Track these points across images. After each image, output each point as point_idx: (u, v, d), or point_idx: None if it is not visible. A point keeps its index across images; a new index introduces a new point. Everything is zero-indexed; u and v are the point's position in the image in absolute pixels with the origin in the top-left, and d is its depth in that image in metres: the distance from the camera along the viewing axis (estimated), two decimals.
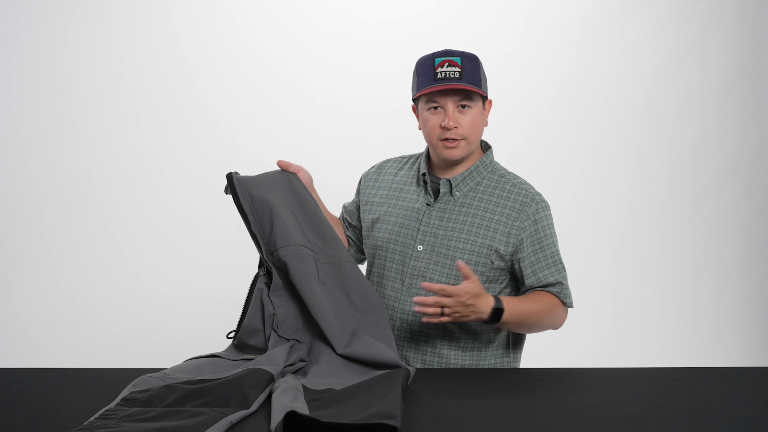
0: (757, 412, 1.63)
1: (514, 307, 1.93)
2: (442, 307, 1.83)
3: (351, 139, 3.85)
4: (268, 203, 1.98)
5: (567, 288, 2.06)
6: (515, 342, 2.13)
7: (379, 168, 2.28)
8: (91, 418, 1.46)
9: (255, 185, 2.02)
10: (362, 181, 2.29)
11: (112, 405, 1.53)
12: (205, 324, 3.71)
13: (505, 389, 1.80)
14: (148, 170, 3.81)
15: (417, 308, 1.83)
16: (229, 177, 2.01)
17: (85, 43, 3.77)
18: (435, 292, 1.83)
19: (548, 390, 1.78)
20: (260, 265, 2.01)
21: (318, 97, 3.87)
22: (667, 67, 4.11)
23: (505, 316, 1.90)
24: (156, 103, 3.81)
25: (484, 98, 2.07)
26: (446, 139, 2.02)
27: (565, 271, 2.07)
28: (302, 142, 3.82)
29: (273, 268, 1.96)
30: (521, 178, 2.13)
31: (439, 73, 2.00)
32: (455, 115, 2.01)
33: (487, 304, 1.87)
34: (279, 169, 2.08)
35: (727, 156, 4.19)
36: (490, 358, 2.08)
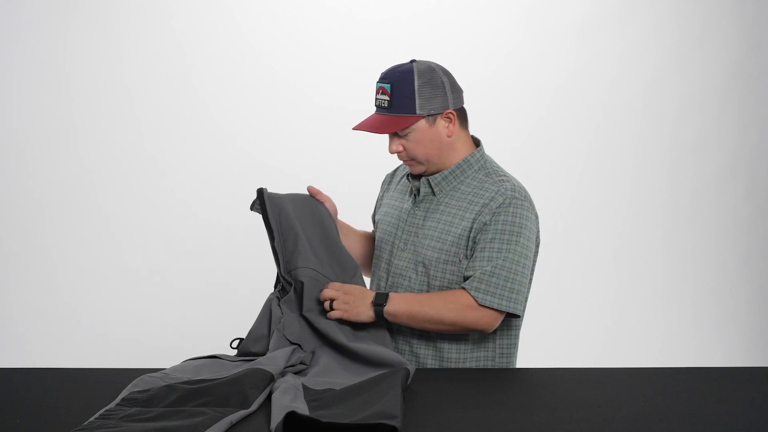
0: (757, 412, 1.63)
1: (400, 304, 1.94)
2: (331, 300, 1.92)
3: (351, 140, 3.84)
4: (295, 224, 2.02)
5: (483, 283, 1.91)
6: (502, 338, 2.09)
7: (394, 171, 2.33)
8: (91, 418, 1.46)
9: (284, 204, 2.05)
10: (381, 186, 2.34)
11: (112, 405, 1.53)
12: (205, 324, 3.71)
13: (504, 389, 1.80)
14: (148, 170, 3.81)
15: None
16: (260, 193, 2.04)
17: (85, 43, 3.77)
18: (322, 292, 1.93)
19: (548, 390, 1.78)
20: (276, 283, 2.03)
21: (318, 97, 3.86)
22: (667, 67, 4.11)
23: (388, 312, 1.93)
24: (156, 103, 3.81)
25: (435, 114, 2.00)
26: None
27: (494, 267, 1.92)
28: (302, 142, 3.82)
29: (288, 285, 1.98)
30: (509, 176, 2.08)
31: (376, 100, 2.05)
32: (395, 141, 2.02)
33: (366, 297, 1.93)
34: (307, 194, 2.11)
35: (727, 156, 4.19)
36: (469, 360, 2.05)
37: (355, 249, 2.23)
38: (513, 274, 1.94)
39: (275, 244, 2.00)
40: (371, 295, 1.93)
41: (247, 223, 3.79)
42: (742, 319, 4.24)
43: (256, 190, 2.05)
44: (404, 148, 2.02)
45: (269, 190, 2.06)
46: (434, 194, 2.08)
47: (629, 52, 4.07)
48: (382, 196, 2.30)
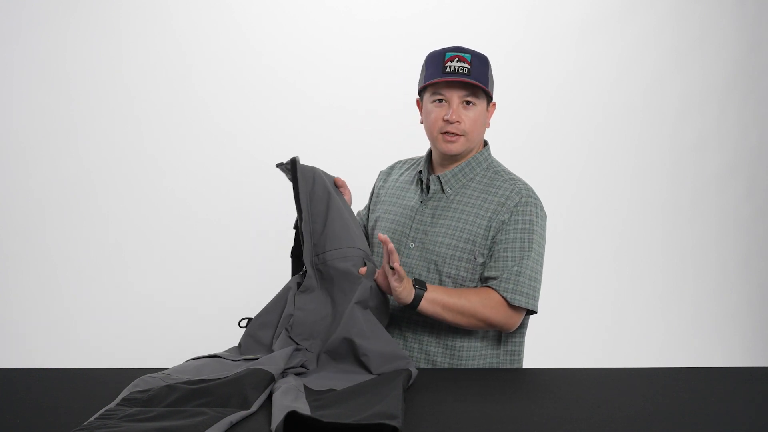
0: (757, 412, 1.63)
1: (437, 294, 1.92)
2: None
3: (351, 139, 3.85)
4: (326, 202, 1.99)
5: (508, 282, 1.96)
6: (506, 339, 2.10)
7: (391, 168, 2.33)
8: (91, 418, 1.46)
9: (315, 173, 2.02)
10: (375, 183, 2.34)
11: (112, 405, 1.53)
12: (206, 324, 3.71)
13: (505, 389, 1.80)
14: (148, 170, 3.81)
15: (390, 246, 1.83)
16: (293, 162, 2.01)
17: (85, 43, 3.77)
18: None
19: (548, 390, 1.78)
20: (298, 267, 2.00)
21: (318, 97, 3.86)
22: (667, 67, 4.11)
23: (428, 302, 1.91)
24: (156, 103, 3.81)
25: (489, 99, 2.08)
26: (446, 133, 2.04)
27: (518, 266, 1.97)
28: (302, 142, 3.82)
29: (313, 270, 1.94)
30: (516, 175, 2.13)
31: (448, 67, 2.01)
32: (459, 110, 2.02)
33: (409, 282, 1.90)
34: (333, 178, 2.10)
35: (727, 156, 4.19)
36: (479, 355, 2.07)
37: None
38: (535, 273, 2.00)
39: (302, 225, 1.96)
40: (411, 280, 1.92)
41: (248, 223, 3.80)
42: (742, 319, 4.24)
43: (290, 158, 2.02)
44: (462, 120, 2.03)
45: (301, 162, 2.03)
46: (444, 192, 2.09)
47: (629, 52, 4.07)
48: (378, 193, 2.29)
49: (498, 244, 2.01)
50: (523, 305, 1.98)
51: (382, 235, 1.84)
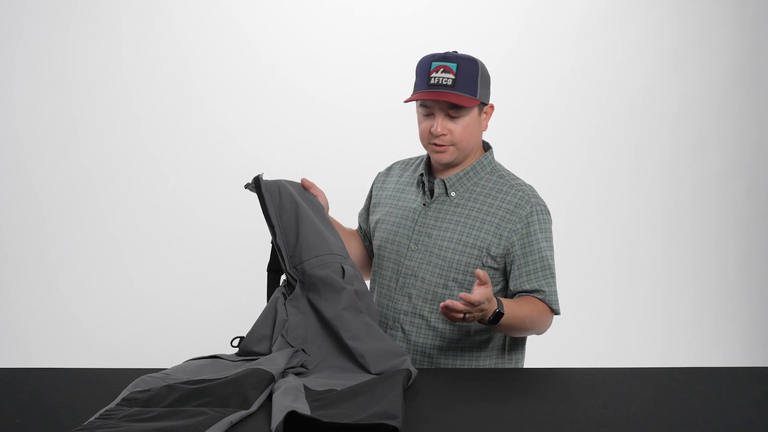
0: (757, 412, 1.63)
1: (511, 310, 1.90)
2: (465, 313, 1.78)
3: (351, 139, 3.85)
4: (295, 214, 1.98)
5: (552, 295, 2.04)
6: (511, 345, 2.11)
7: (389, 170, 2.31)
8: (91, 418, 1.46)
9: (280, 186, 2.02)
10: (373, 184, 2.32)
11: (112, 405, 1.53)
12: (206, 324, 3.71)
13: (505, 389, 1.80)
14: (148, 170, 3.81)
15: (445, 311, 1.77)
16: (257, 181, 2.00)
17: (85, 43, 3.77)
18: (469, 302, 1.75)
19: (548, 390, 1.78)
20: (278, 281, 2.00)
21: (318, 96, 3.86)
22: (667, 67, 4.11)
23: (504, 319, 1.88)
24: (156, 103, 3.81)
25: (483, 103, 2.05)
26: (435, 144, 2.03)
27: (552, 277, 2.04)
28: (302, 142, 3.82)
29: (296, 281, 1.94)
30: (522, 180, 2.12)
31: (432, 78, 1.99)
32: (444, 123, 2.00)
33: (491, 307, 1.84)
34: (299, 183, 2.09)
35: (727, 156, 4.19)
36: (483, 359, 2.07)
37: (349, 248, 2.22)
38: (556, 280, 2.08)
39: (277, 240, 1.96)
40: (493, 308, 1.85)
41: (248, 223, 3.79)
42: (742, 319, 4.24)
43: (253, 177, 2.02)
44: (449, 132, 2.02)
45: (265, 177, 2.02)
46: (448, 195, 2.08)
47: (629, 52, 4.07)
48: (377, 195, 2.28)
49: (528, 255, 2.02)
50: (560, 312, 2.07)
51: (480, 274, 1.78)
